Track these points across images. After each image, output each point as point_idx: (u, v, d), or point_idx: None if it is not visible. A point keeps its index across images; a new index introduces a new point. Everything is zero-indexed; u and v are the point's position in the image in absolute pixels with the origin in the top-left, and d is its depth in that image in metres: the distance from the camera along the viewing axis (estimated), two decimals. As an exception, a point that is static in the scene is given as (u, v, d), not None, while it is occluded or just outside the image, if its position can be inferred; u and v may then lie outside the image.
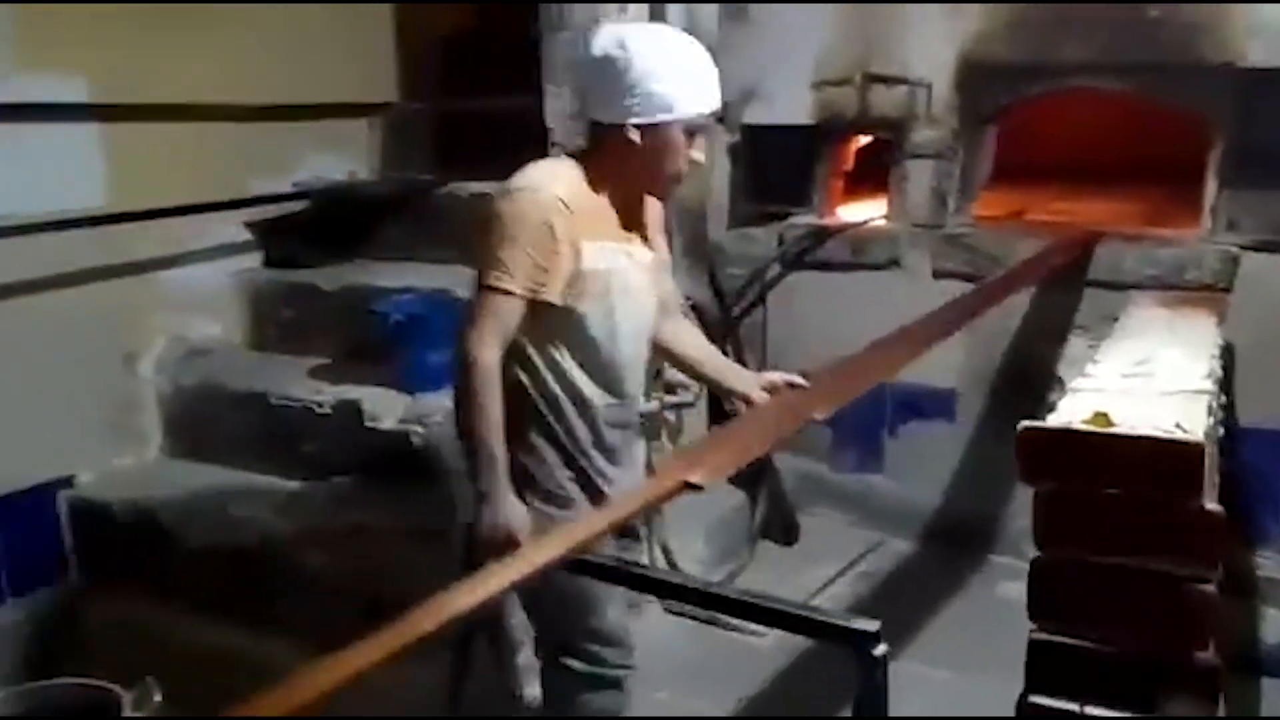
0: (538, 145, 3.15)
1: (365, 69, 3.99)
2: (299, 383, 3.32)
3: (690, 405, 3.35)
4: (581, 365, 2.00)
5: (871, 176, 4.05)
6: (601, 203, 1.96)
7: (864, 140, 4.03)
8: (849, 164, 4.12)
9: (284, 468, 3.23)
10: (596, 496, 2.05)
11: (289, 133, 3.76)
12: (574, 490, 2.04)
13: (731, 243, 4.09)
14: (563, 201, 1.88)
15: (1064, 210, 4.18)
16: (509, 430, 1.91)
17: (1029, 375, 3.37)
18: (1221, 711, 1.60)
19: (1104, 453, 1.66)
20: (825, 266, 3.93)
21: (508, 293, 1.87)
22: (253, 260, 3.80)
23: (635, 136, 1.88)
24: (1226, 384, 2.83)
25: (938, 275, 3.73)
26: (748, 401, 2.15)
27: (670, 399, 3.29)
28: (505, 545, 1.80)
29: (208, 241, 3.59)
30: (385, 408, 3.10)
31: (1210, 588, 1.63)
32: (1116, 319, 2.87)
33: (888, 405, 3.79)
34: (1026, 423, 1.72)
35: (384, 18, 4.04)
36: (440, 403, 3.09)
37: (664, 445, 3.31)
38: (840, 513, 3.95)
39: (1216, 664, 1.65)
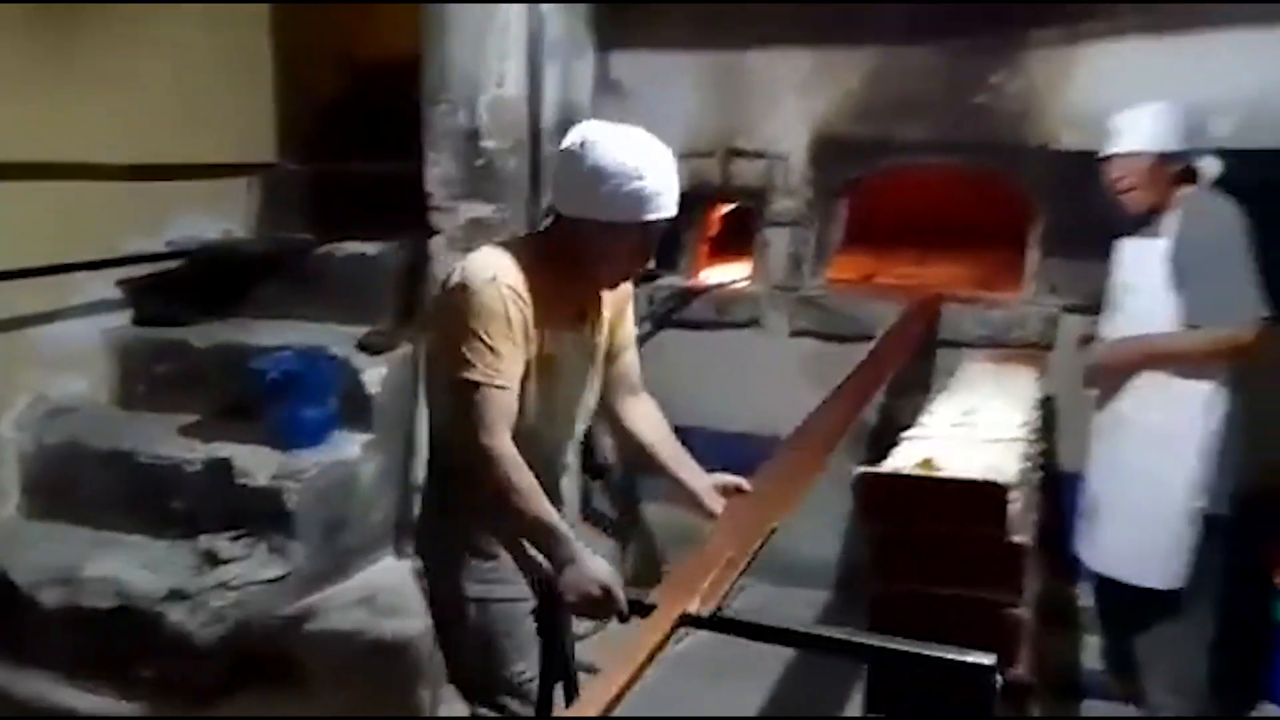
0: (417, 211, 3.27)
1: (244, 129, 4.05)
2: (168, 440, 3.32)
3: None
4: (515, 442, 1.94)
5: (735, 242, 4.30)
6: (553, 287, 1.97)
7: (727, 208, 4.28)
8: (714, 230, 4.37)
9: (151, 526, 3.21)
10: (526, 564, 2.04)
11: (165, 192, 3.78)
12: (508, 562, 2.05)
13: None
14: (516, 292, 1.91)
15: (910, 274, 4.52)
16: (460, 501, 2.00)
17: (881, 427, 3.62)
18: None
19: (926, 494, 1.87)
20: (692, 325, 4.14)
21: (502, 387, 1.87)
22: (124, 319, 3.78)
23: (599, 233, 1.92)
24: (1047, 432, 3.14)
25: (795, 334, 3.98)
26: (697, 502, 2.17)
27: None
28: (604, 600, 1.80)
29: (77, 299, 3.56)
30: (257, 464, 3.13)
31: (1019, 611, 1.84)
32: (952, 374, 3.16)
33: (748, 456, 3.98)
34: (862, 469, 1.92)
35: (264, 79, 4.11)
36: (314, 459, 3.15)
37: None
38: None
39: (1029, 681, 1.85)
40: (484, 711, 2.21)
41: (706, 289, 4.14)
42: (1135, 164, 2.76)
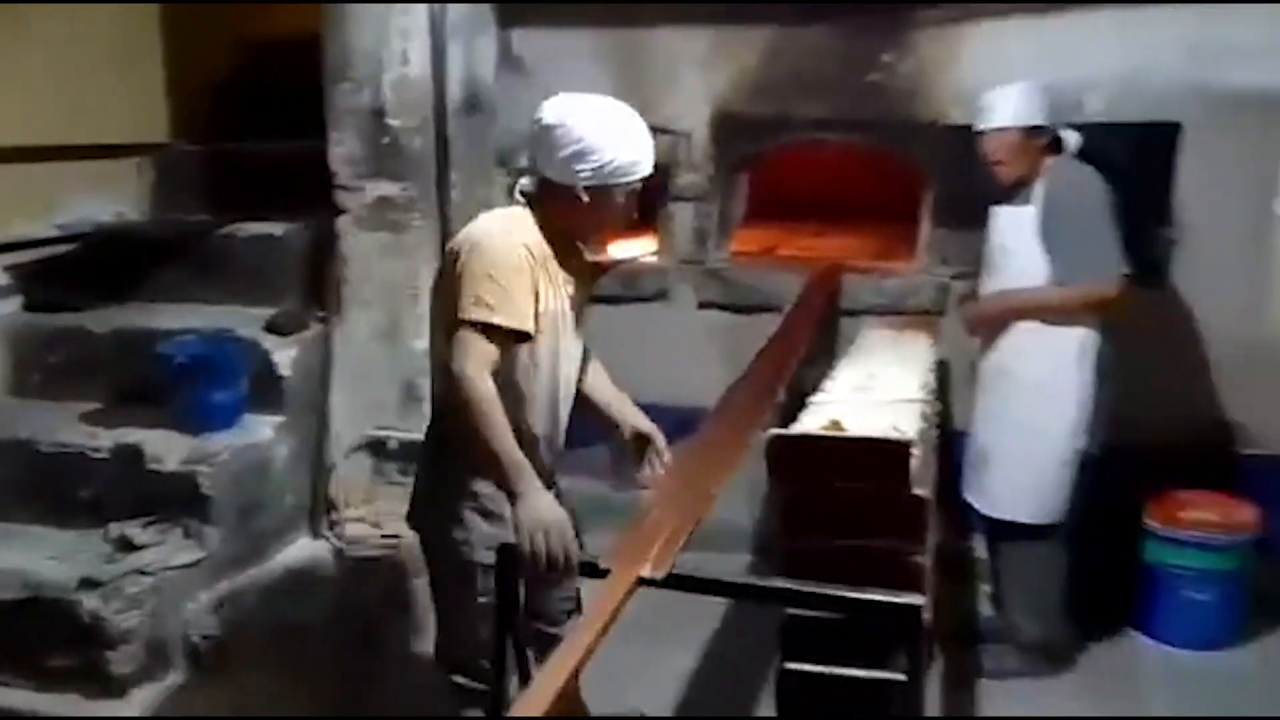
0: (322, 190, 3.25)
1: (134, 110, 3.94)
2: (70, 428, 3.24)
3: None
4: (529, 397, 2.16)
5: (640, 216, 4.36)
6: (549, 249, 2.13)
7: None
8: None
9: (57, 515, 3.13)
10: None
11: (52, 174, 3.65)
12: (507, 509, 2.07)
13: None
14: (527, 247, 2.08)
15: (811, 246, 4.66)
16: (455, 448, 2.13)
17: (789, 394, 3.74)
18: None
19: (834, 454, 1.98)
20: (600, 300, 4.18)
21: (493, 326, 2.01)
22: (14, 305, 3.65)
23: (584, 196, 2.08)
24: (942, 395, 3.31)
25: (701, 306, 4.08)
26: (642, 438, 2.38)
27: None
28: (552, 533, 1.92)
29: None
30: (168, 449, 3.08)
31: (920, 559, 1.98)
32: (853, 342, 3.30)
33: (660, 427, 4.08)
34: (774, 430, 2.02)
35: (154, 59, 4.00)
36: (226, 442, 3.12)
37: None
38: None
39: (929, 625, 1.99)
40: (463, 681, 2.28)
41: (614, 263, 4.21)
42: (1004, 138, 2.98)
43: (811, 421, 2.21)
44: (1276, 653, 3.31)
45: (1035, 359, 3.01)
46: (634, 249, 4.31)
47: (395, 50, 3.11)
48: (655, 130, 3.92)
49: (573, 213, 2.12)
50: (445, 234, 3.33)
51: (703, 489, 2.02)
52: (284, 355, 3.24)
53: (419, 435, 3.33)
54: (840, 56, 3.76)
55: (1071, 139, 3.06)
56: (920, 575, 1.97)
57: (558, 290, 2.16)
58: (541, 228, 2.14)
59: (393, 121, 3.15)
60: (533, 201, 2.18)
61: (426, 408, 3.30)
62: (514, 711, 1.44)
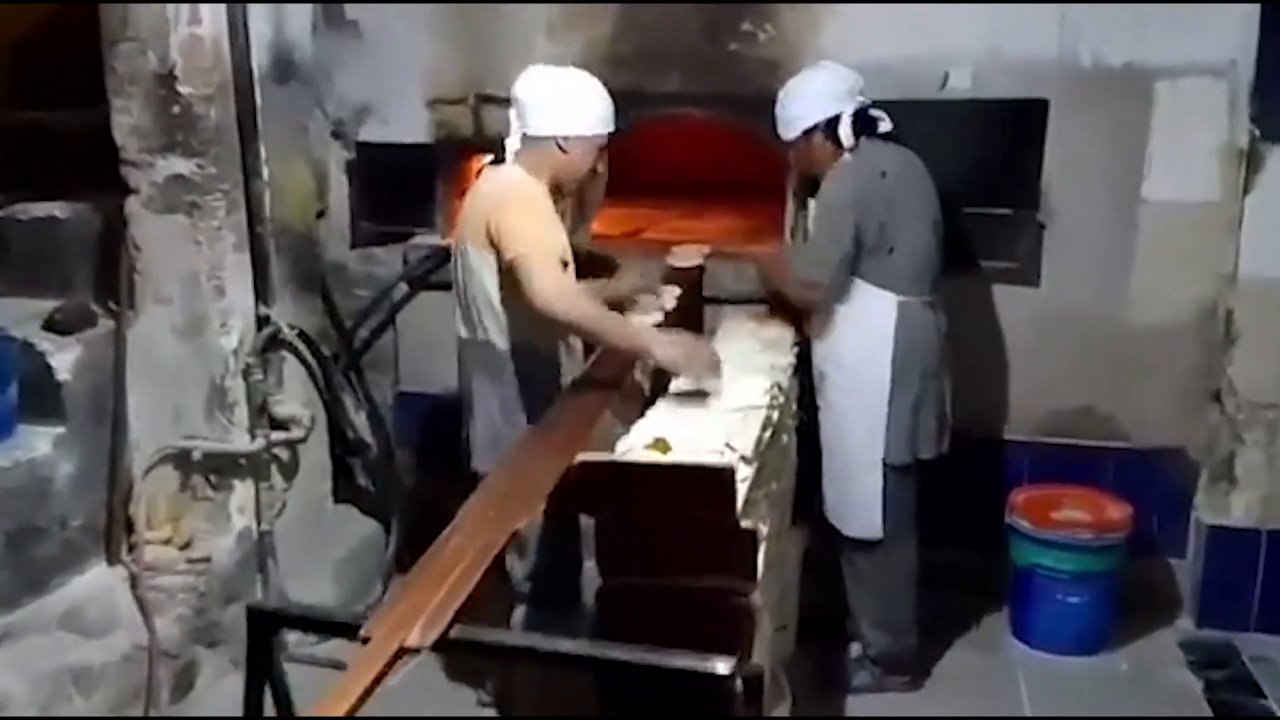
0: (105, 163, 2.84)
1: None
2: None
3: (302, 440, 3.17)
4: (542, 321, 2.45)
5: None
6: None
7: (485, 160, 4.01)
8: (471, 182, 4.08)
9: None
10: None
11: None
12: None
13: (355, 263, 3.96)
14: (546, 195, 2.59)
15: (679, 229, 4.40)
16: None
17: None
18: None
19: (646, 481, 1.73)
20: (448, 286, 3.87)
21: (561, 262, 2.49)
22: None
23: (566, 148, 2.58)
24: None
25: (560, 293, 3.79)
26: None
27: (279, 435, 3.09)
28: (694, 357, 2.36)
29: None
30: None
31: (749, 600, 1.74)
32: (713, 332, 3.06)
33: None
34: (582, 456, 1.75)
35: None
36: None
37: (273, 486, 3.11)
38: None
39: (761, 670, 1.76)
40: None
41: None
42: (796, 144, 2.94)
43: (635, 439, 1.95)
44: (1149, 655, 3.22)
45: (838, 361, 2.92)
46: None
47: (182, 6, 2.71)
48: (504, 103, 3.76)
49: (555, 163, 2.59)
50: (254, 217, 2.97)
51: (506, 526, 1.74)
52: (64, 357, 2.83)
53: (229, 445, 3.01)
54: (697, 25, 3.50)
55: (882, 123, 2.91)
56: (750, 620, 1.73)
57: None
58: (541, 178, 2.59)
59: (183, 89, 2.77)
60: (526, 157, 2.61)
61: (236, 414, 3.01)
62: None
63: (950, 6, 3.25)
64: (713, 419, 2.16)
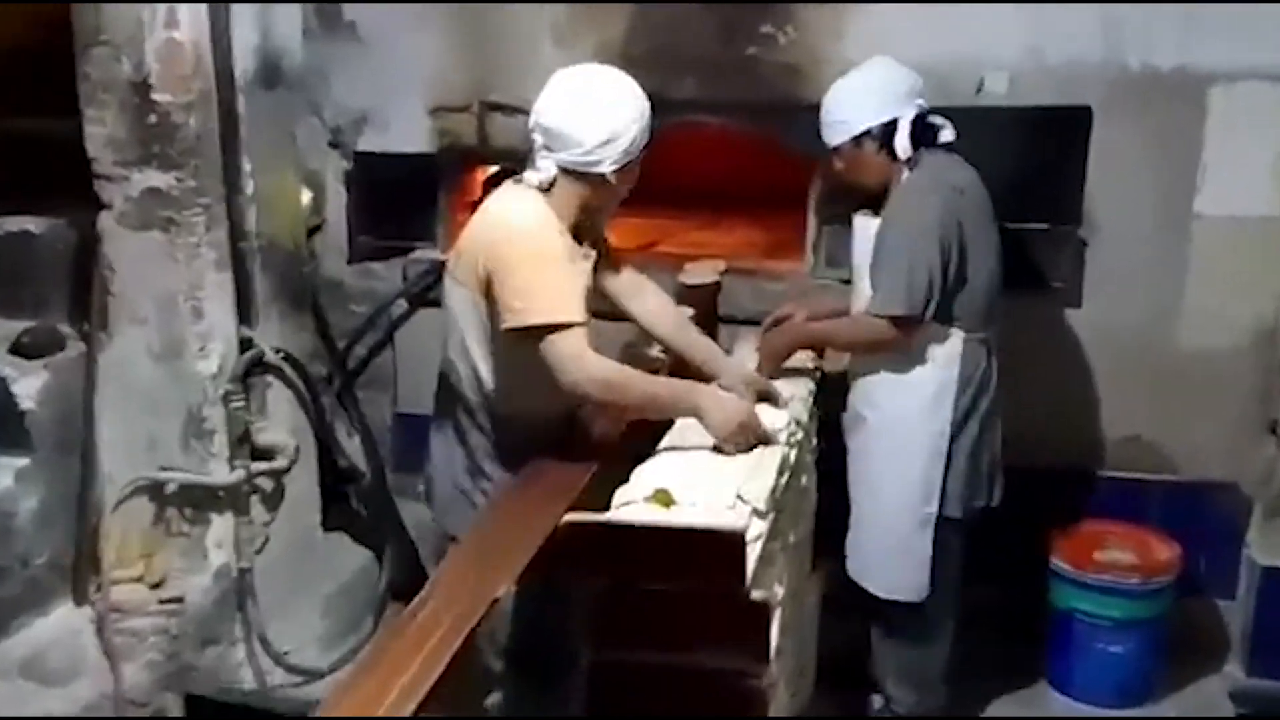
0: (77, 176, 2.66)
1: None
2: None
3: (285, 470, 2.97)
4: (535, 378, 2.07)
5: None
6: (565, 228, 2.15)
7: (490, 171, 3.81)
8: (476, 195, 3.89)
9: None
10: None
11: None
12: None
13: (353, 279, 3.77)
14: (559, 234, 2.12)
15: (697, 242, 4.19)
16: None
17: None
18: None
19: (646, 546, 1.51)
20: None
21: (576, 324, 2.06)
22: None
23: (613, 178, 2.14)
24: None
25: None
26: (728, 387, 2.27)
27: (261, 465, 2.90)
28: (745, 427, 2.02)
29: None
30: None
31: (761, 682, 1.51)
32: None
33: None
34: (570, 516, 1.53)
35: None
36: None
37: (253, 520, 2.91)
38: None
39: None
40: None
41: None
42: (844, 152, 2.59)
43: (635, 491, 1.73)
44: (1195, 706, 2.96)
45: (884, 405, 2.59)
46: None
47: (158, 9, 2.53)
48: (511, 111, 3.59)
49: (596, 192, 2.16)
50: (237, 232, 2.78)
51: (484, 591, 1.53)
52: (29, 384, 2.65)
53: (207, 477, 2.81)
54: (714, 28, 3.28)
55: (944, 132, 2.58)
56: (761, 704, 1.50)
57: (581, 270, 2.23)
58: (561, 211, 2.15)
59: (160, 97, 2.57)
60: (549, 187, 2.15)
61: (215, 443, 2.82)
62: None
63: (986, 6, 3.02)
64: (723, 461, 1.94)
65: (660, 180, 4.59)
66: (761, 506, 1.73)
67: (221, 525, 2.87)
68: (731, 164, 4.50)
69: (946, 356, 2.52)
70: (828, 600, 2.80)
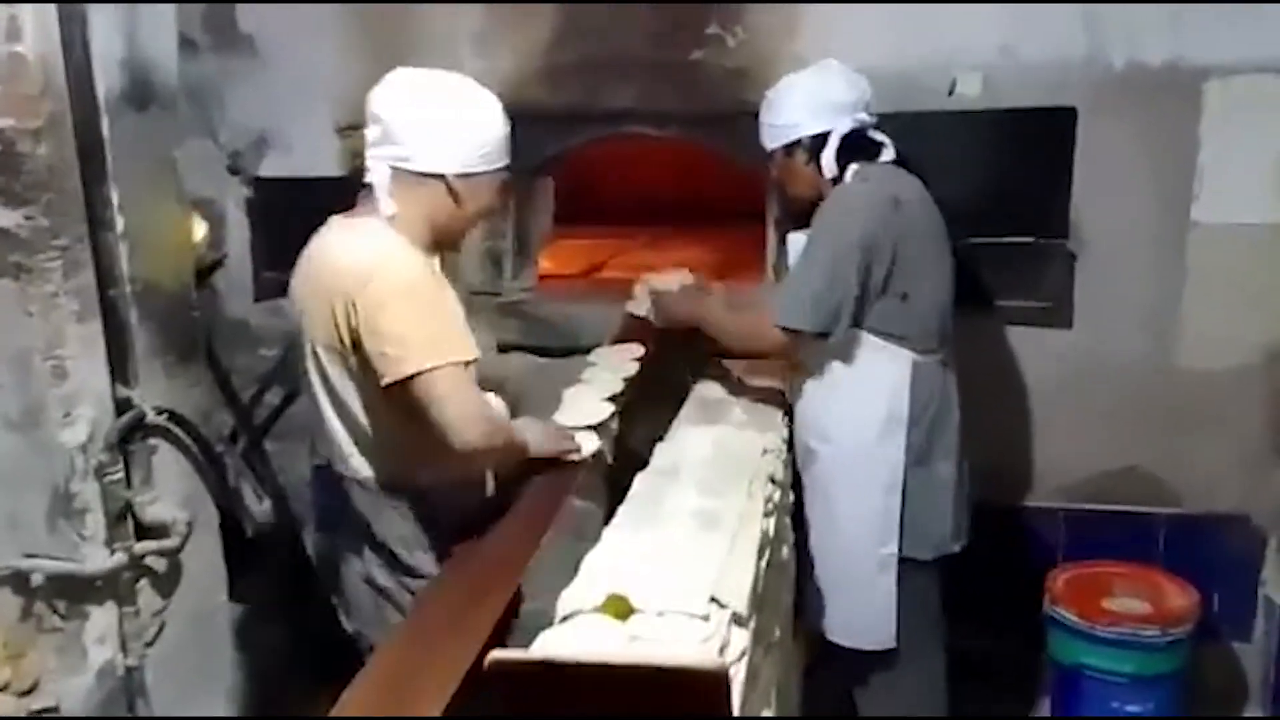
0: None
1: None
2: None
3: (178, 549, 2.56)
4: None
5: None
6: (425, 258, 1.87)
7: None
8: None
9: None
10: None
11: None
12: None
13: (261, 317, 3.38)
14: (424, 263, 1.84)
15: (646, 263, 3.83)
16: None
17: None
18: None
19: (596, 687, 1.14)
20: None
21: (465, 363, 1.79)
22: None
23: (457, 188, 1.84)
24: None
25: (503, 349, 3.22)
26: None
27: (147, 545, 2.48)
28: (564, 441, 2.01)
29: None
30: None
31: None
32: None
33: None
34: (497, 653, 1.16)
35: None
36: None
37: (140, 610, 2.49)
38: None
39: None
40: None
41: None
42: (776, 158, 2.43)
43: (583, 594, 1.37)
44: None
45: (832, 435, 2.36)
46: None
47: (-4, 18, 2.12)
48: None
49: (440, 213, 1.87)
50: (105, 277, 2.37)
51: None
52: None
53: (79, 564, 2.39)
54: (654, 29, 2.96)
55: (885, 150, 2.39)
56: None
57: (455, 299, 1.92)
58: (412, 237, 1.85)
59: (2, 122, 2.16)
60: (403, 200, 1.85)
61: (88, 524, 2.40)
62: None
63: (954, 4, 2.74)
64: (692, 544, 1.58)
65: (601, 197, 4.35)
66: (742, 608, 1.39)
67: (102, 617, 2.44)
68: (678, 178, 4.19)
69: (897, 379, 2.30)
70: (809, 673, 2.49)
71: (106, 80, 2.34)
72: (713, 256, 3.83)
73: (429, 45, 3.08)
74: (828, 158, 2.32)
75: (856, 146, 2.33)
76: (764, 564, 1.61)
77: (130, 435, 2.42)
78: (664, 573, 1.42)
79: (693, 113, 3.00)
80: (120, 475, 2.39)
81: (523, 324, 3.19)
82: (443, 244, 1.94)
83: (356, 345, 1.78)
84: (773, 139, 2.40)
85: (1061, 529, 2.96)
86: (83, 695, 2.43)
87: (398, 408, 1.79)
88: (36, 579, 2.36)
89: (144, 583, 2.50)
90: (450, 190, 1.83)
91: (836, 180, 2.34)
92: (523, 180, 3.18)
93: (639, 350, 2.79)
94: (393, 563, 1.90)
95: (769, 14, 2.90)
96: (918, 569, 2.34)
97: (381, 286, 1.74)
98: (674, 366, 2.78)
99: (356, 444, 1.92)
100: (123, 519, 2.42)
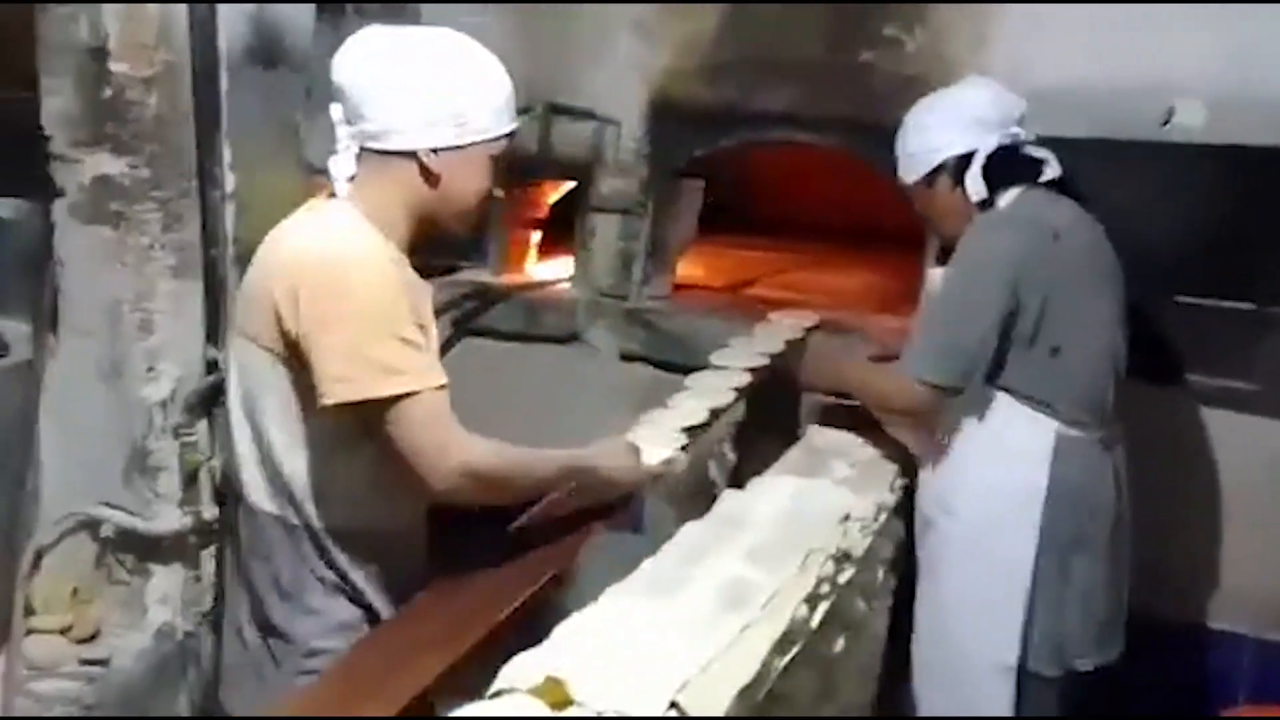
0: (28, 157, 2.27)
1: None
2: None
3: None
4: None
5: (554, 229, 3.34)
6: (398, 253, 1.53)
7: (566, 187, 3.29)
8: (541, 210, 3.38)
9: None
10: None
11: None
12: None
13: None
14: (393, 263, 1.50)
15: (795, 284, 3.53)
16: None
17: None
18: None
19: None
20: (498, 334, 3.17)
21: (429, 390, 1.44)
22: None
23: (435, 165, 1.51)
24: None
25: (626, 358, 3.02)
26: None
27: (216, 512, 2.43)
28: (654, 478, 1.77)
29: None
30: None
31: None
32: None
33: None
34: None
35: None
36: None
37: (199, 577, 2.44)
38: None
39: None
40: None
41: (510, 289, 3.17)
42: (916, 191, 2.08)
43: (526, 669, 1.13)
44: None
45: (953, 503, 2.00)
46: (550, 272, 3.29)
47: (121, -39, 2.11)
48: (578, 115, 3.05)
49: (418, 193, 1.53)
50: (209, 237, 2.34)
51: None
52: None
53: (147, 521, 2.37)
54: (825, 27, 2.66)
55: (1047, 168, 2.00)
56: None
57: (427, 311, 1.58)
58: (384, 228, 1.51)
59: (116, 67, 2.15)
60: (357, 189, 1.53)
61: (161, 482, 2.38)
62: None
63: (1176, 18, 2.29)
64: (695, 625, 1.30)
65: (757, 206, 4.05)
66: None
67: (166, 578, 2.42)
68: (849, 193, 3.83)
69: (1032, 449, 1.94)
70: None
71: (232, 35, 2.30)
72: (877, 282, 3.47)
73: (587, 30, 2.93)
74: (974, 179, 1.96)
75: (1009, 166, 1.96)
76: (786, 659, 1.30)
77: (209, 398, 2.38)
78: (632, 659, 1.15)
79: (858, 121, 2.68)
80: (195, 437, 2.36)
81: (648, 334, 2.97)
82: (429, 233, 1.59)
83: (293, 351, 1.46)
84: (911, 170, 2.07)
85: (1246, 660, 2.44)
86: (137, 654, 2.41)
87: (333, 432, 1.49)
88: (107, 529, 2.36)
89: (207, 552, 2.46)
90: (423, 169, 1.50)
91: (985, 205, 1.98)
92: (666, 180, 2.96)
93: (812, 318, 2.61)
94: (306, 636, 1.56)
95: (957, 14, 2.54)
96: (1042, 686, 1.97)
97: (331, 287, 1.42)
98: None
99: (276, 465, 1.54)
100: (194, 481, 2.38)
